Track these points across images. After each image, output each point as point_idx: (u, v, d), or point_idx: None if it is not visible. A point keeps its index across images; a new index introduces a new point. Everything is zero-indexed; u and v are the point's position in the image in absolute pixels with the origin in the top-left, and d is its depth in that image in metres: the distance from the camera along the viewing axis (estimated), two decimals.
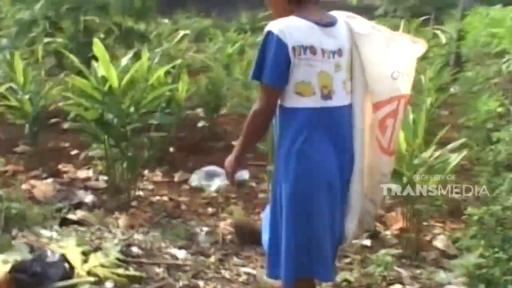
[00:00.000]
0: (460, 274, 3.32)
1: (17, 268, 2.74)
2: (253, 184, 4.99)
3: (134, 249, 3.46)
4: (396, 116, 2.55)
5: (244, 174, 5.00)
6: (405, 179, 3.74)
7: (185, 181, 4.97)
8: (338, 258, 3.46)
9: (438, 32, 6.57)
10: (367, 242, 3.96)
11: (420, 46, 2.63)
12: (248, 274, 3.45)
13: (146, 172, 5.02)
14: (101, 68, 4.14)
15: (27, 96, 4.91)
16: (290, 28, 2.27)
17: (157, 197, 4.61)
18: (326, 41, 2.34)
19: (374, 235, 4.06)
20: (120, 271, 3.03)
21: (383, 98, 2.52)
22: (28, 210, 3.79)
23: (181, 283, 3.17)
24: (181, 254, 3.58)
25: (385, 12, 13.04)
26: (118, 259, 3.14)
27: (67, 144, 5.75)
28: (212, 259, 3.58)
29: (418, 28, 8.17)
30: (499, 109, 4.65)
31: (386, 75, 2.51)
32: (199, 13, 13.23)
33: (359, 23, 2.49)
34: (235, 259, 3.66)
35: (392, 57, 2.52)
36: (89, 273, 2.88)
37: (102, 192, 4.63)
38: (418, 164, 3.75)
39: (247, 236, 3.90)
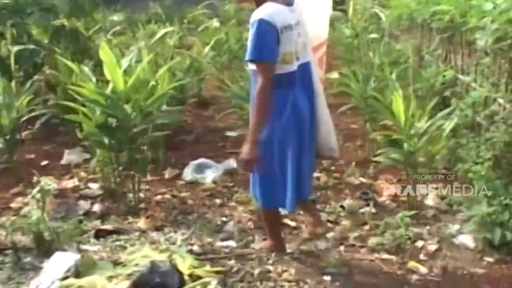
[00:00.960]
0: (470, 225, 3.81)
1: (137, 282, 2.75)
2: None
3: (195, 248, 3.56)
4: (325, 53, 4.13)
5: (231, 163, 5.17)
6: (406, 147, 4.18)
7: (176, 177, 5.03)
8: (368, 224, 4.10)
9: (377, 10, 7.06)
10: (374, 210, 4.35)
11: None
12: (300, 251, 3.69)
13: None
14: (106, 71, 4.10)
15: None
16: (274, 14, 2.95)
17: (159, 196, 4.64)
18: (291, 16, 3.07)
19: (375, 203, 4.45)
20: (208, 269, 3.15)
21: (320, 42, 3.98)
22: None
23: (257, 271, 3.35)
24: (232, 244, 3.74)
25: None
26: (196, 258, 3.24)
27: (32, 156, 5.52)
28: (257, 245, 3.78)
29: None
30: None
31: (316, 24, 3.76)
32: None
33: None
34: None
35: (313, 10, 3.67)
36: (190, 276, 2.96)
37: (102, 199, 4.57)
38: (415, 134, 4.19)
39: None
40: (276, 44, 2.96)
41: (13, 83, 4.87)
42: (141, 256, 3.14)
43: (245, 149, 3.03)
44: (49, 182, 3.20)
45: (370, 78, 5.45)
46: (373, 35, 6.59)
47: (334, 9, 11.85)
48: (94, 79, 4.23)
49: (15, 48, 4.84)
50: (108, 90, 4.14)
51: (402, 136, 4.20)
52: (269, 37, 2.93)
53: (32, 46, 5.33)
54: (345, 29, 8.20)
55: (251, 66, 3.10)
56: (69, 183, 4.87)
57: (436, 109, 4.68)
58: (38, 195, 3.22)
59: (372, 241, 3.87)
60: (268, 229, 3.61)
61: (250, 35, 2.98)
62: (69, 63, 4.48)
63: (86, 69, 4.33)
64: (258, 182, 3.27)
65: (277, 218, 3.65)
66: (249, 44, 2.98)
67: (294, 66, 3.09)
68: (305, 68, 3.19)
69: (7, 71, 5.50)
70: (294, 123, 3.12)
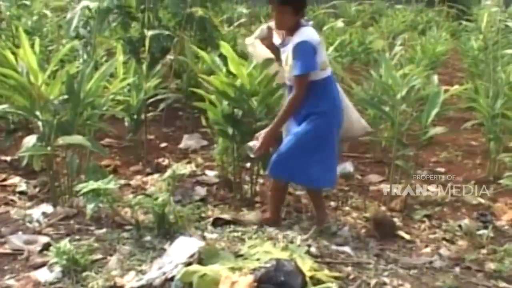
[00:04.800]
0: None
1: (262, 279, 2.77)
2: (359, 177, 5.13)
3: (312, 249, 3.55)
4: None
5: (348, 166, 5.12)
6: None
7: None
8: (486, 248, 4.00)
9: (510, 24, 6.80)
10: (492, 233, 4.18)
11: None
12: (415, 267, 3.61)
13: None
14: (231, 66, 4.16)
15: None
16: (310, 35, 3.66)
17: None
18: (317, 34, 3.75)
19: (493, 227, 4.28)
20: (328, 273, 3.13)
21: None
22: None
23: (373, 281, 3.29)
24: (348, 250, 3.70)
25: None
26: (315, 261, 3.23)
27: (152, 137, 5.72)
28: (372, 255, 3.72)
29: None
30: None
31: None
32: None
33: None
34: (389, 253, 3.80)
35: None
36: (311, 278, 2.95)
37: (217, 188, 4.65)
38: None
39: (387, 230, 4.07)
40: (315, 57, 3.67)
41: (143, 66, 5.02)
42: (263, 251, 3.16)
43: (268, 134, 3.75)
44: (180, 167, 3.28)
45: (499, 95, 5.23)
46: (508, 51, 6.29)
47: (460, 18, 11.58)
48: (224, 70, 4.29)
49: (150, 33, 4.99)
50: (237, 82, 4.18)
51: None
52: (311, 54, 3.63)
53: (165, 32, 5.47)
54: (472, 41, 7.93)
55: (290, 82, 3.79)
56: (186, 168, 4.97)
57: None
58: (169, 179, 3.31)
59: (490, 266, 3.73)
60: (275, 203, 4.03)
61: (297, 54, 3.62)
62: (201, 52, 4.58)
63: (217, 59, 4.39)
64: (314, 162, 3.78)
65: (284, 193, 4.15)
66: (299, 61, 3.62)
67: (328, 72, 3.82)
68: (332, 73, 3.91)
69: (136, 54, 5.69)
70: (339, 113, 3.85)
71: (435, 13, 13.15)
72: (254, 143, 3.80)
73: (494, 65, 5.97)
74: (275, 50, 3.92)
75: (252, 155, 3.88)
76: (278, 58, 3.93)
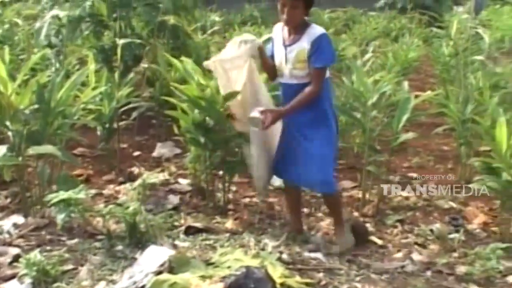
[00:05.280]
0: None
1: (232, 286, 2.77)
2: None
3: (284, 256, 3.56)
4: None
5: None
6: (504, 176, 4.03)
7: None
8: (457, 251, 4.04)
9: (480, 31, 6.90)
10: (463, 237, 4.22)
11: None
12: (386, 271, 3.64)
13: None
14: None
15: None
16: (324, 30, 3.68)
17: (247, 199, 4.69)
18: None
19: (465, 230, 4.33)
20: (299, 279, 3.14)
21: None
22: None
23: (345, 286, 3.31)
24: (320, 256, 3.72)
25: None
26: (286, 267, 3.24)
27: (125, 145, 5.69)
28: (344, 261, 3.74)
29: None
30: None
31: None
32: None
33: None
34: (362, 259, 3.83)
35: None
36: (282, 285, 2.96)
37: (191, 196, 4.65)
38: None
39: (360, 235, 4.09)
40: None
41: (116, 75, 5.01)
42: (234, 259, 3.16)
43: (278, 115, 3.63)
44: (150, 176, 3.27)
45: (469, 100, 5.31)
46: (478, 57, 6.40)
47: (432, 25, 11.73)
48: (196, 78, 4.29)
49: (121, 41, 4.98)
50: (207, 91, 4.19)
51: (502, 164, 4.06)
52: (332, 46, 3.73)
53: (137, 40, 5.46)
54: (444, 47, 8.04)
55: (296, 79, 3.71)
56: (159, 176, 4.95)
57: None
58: (140, 188, 3.30)
59: (461, 269, 3.76)
60: (339, 214, 3.98)
61: (320, 46, 3.58)
62: (174, 60, 4.58)
63: (189, 67, 4.40)
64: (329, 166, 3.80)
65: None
66: (323, 53, 3.59)
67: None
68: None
69: (109, 62, 5.67)
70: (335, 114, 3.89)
71: (407, 20, 13.29)
72: (258, 116, 3.58)
73: (464, 71, 6.05)
74: (269, 62, 3.84)
75: (255, 128, 3.69)
76: (270, 74, 3.92)
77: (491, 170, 4.18)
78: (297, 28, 3.66)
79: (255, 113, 3.59)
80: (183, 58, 4.62)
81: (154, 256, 3.13)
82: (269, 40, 4.05)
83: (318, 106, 3.70)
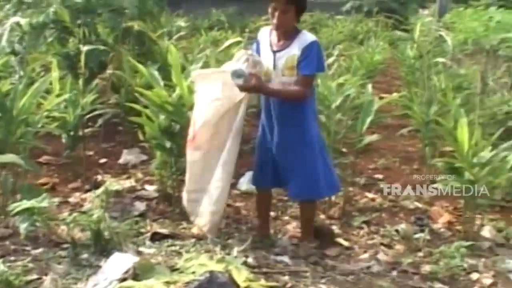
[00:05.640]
0: None
1: None
2: None
3: (249, 260, 3.57)
4: None
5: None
6: (466, 175, 4.11)
7: (232, 186, 4.93)
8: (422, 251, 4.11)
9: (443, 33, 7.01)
10: (428, 236, 4.29)
11: None
12: (352, 273, 3.67)
13: None
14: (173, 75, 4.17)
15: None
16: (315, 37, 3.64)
17: None
18: None
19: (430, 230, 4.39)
20: (263, 283, 3.15)
21: None
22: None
23: None
24: (286, 259, 3.73)
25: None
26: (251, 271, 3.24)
27: (91, 153, 5.64)
28: (311, 262, 3.77)
29: None
30: None
31: None
32: None
33: None
34: (328, 260, 3.86)
35: None
36: None
37: (157, 202, 4.63)
38: (478, 163, 4.12)
39: (326, 238, 4.13)
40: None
41: (80, 81, 4.97)
42: (198, 264, 3.15)
43: (259, 87, 3.53)
44: (114, 183, 3.26)
45: (433, 102, 5.39)
46: (441, 59, 6.50)
47: (397, 28, 11.88)
48: (162, 84, 4.29)
49: (86, 48, 4.94)
50: (174, 96, 4.19)
51: (464, 164, 4.13)
52: (322, 54, 3.73)
53: (101, 46, 5.43)
54: (408, 50, 8.14)
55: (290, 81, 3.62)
56: (125, 183, 4.93)
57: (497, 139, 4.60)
58: (103, 196, 3.28)
59: (426, 269, 3.82)
60: (311, 223, 4.06)
61: (310, 54, 3.53)
62: (139, 65, 4.57)
63: (155, 72, 4.39)
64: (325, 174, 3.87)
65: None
66: (313, 61, 3.54)
67: None
68: None
69: (74, 69, 5.62)
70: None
71: (373, 23, 13.43)
72: (244, 70, 3.46)
73: (428, 73, 6.15)
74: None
75: (237, 82, 3.50)
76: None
77: (454, 170, 4.26)
78: (287, 34, 3.60)
79: (242, 66, 3.50)
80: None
81: (119, 263, 3.11)
82: (251, 41, 4.04)
83: (300, 125, 3.71)
